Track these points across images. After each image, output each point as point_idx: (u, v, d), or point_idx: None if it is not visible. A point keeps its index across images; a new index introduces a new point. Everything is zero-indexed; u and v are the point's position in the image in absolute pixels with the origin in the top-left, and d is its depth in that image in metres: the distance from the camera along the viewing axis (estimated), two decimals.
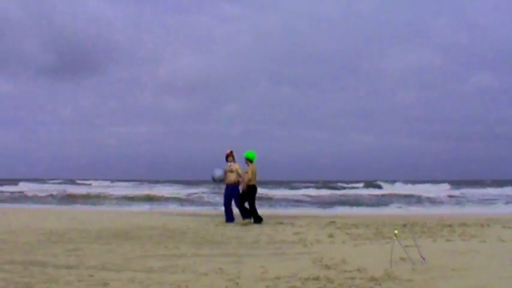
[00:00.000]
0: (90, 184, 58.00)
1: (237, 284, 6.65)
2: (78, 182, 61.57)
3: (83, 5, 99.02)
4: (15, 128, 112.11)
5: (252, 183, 15.48)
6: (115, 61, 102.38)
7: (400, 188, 48.23)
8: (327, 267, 7.75)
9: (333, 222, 15.52)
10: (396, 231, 8.25)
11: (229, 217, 15.77)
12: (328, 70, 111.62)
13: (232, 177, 15.81)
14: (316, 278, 6.89)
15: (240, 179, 15.69)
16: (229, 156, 16.04)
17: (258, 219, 15.42)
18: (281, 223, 15.11)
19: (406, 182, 54.68)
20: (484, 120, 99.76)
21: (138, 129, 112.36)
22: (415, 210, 26.38)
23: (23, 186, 48.24)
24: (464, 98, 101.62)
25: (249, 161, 15.70)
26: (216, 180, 16.16)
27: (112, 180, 64.25)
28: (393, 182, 55.23)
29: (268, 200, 32.10)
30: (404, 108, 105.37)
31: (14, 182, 54.56)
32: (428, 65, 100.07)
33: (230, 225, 14.66)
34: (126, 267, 7.77)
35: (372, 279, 6.83)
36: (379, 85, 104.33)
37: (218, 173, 15.85)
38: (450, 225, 13.96)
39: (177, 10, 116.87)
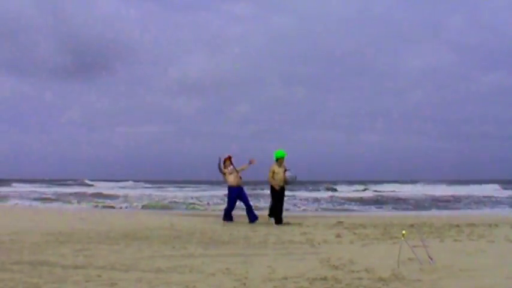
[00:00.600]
0: (93, 185, 57.70)
1: (245, 284, 6.66)
2: (91, 183, 61.27)
3: (94, 5, 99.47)
4: (28, 128, 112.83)
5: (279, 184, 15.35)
6: (126, 61, 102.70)
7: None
8: (335, 267, 7.74)
9: (341, 222, 15.51)
10: (404, 232, 8.22)
11: (230, 217, 16.01)
12: (341, 70, 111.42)
13: (238, 179, 15.98)
14: (324, 278, 6.88)
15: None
16: (227, 161, 16.29)
17: (279, 221, 15.29)
18: (289, 223, 15.10)
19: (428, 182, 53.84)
20: (497, 120, 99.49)
21: (148, 129, 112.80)
22: (422, 211, 26.28)
23: (36, 187, 48.18)
24: (478, 98, 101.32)
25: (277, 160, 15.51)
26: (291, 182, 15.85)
27: (136, 181, 63.89)
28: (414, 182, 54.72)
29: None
30: (417, 108, 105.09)
31: (25, 182, 54.80)
32: (443, 64, 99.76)
33: (237, 225, 14.64)
34: (134, 268, 7.79)
35: (380, 279, 6.82)
36: (392, 85, 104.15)
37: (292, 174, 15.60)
38: (458, 226, 13.92)
39: (189, 9, 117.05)
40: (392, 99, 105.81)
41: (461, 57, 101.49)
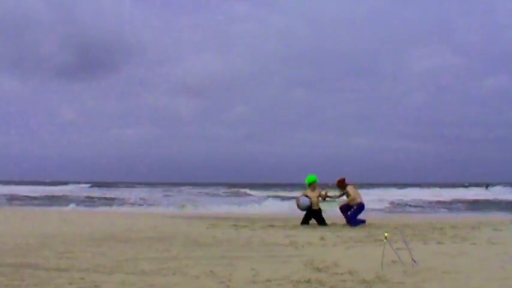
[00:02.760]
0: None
1: (228, 286, 6.64)
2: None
3: (102, 4, 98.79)
4: (25, 130, 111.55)
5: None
6: (131, 61, 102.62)
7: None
8: (318, 270, 7.75)
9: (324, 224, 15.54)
10: (386, 234, 8.23)
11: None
12: (344, 72, 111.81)
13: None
14: (308, 281, 6.89)
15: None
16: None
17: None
18: (272, 226, 15.11)
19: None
20: (495, 122, 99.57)
21: (148, 130, 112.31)
22: (405, 213, 26.39)
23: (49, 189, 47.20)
24: (480, 100, 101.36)
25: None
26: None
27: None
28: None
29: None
30: (418, 111, 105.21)
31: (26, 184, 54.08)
32: (448, 67, 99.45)
33: (221, 228, 14.61)
34: (117, 270, 7.74)
35: (363, 281, 6.84)
36: (395, 87, 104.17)
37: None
38: (441, 228, 14.01)
39: (195, 10, 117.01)
40: (393, 100, 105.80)
41: (468, 59, 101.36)
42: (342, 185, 16.01)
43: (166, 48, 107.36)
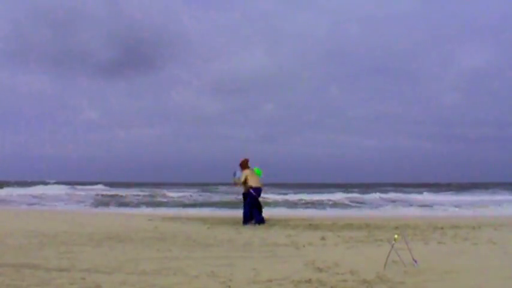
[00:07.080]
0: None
1: (229, 286, 6.65)
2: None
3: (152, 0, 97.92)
4: (57, 128, 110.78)
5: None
6: (172, 59, 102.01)
7: None
8: (319, 269, 7.75)
9: (325, 224, 15.53)
10: (396, 236, 8.10)
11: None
12: (380, 72, 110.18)
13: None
14: (309, 281, 6.89)
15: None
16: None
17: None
18: (273, 225, 15.12)
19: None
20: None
21: (180, 128, 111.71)
22: (407, 213, 26.35)
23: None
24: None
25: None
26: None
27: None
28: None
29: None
30: (450, 112, 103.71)
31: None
32: (489, 66, 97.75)
33: (222, 228, 14.62)
34: (118, 270, 7.74)
35: (364, 281, 6.84)
36: (432, 86, 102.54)
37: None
38: (442, 228, 14.01)
39: (238, 6, 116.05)
40: (427, 102, 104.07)
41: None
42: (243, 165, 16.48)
43: (207, 46, 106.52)
